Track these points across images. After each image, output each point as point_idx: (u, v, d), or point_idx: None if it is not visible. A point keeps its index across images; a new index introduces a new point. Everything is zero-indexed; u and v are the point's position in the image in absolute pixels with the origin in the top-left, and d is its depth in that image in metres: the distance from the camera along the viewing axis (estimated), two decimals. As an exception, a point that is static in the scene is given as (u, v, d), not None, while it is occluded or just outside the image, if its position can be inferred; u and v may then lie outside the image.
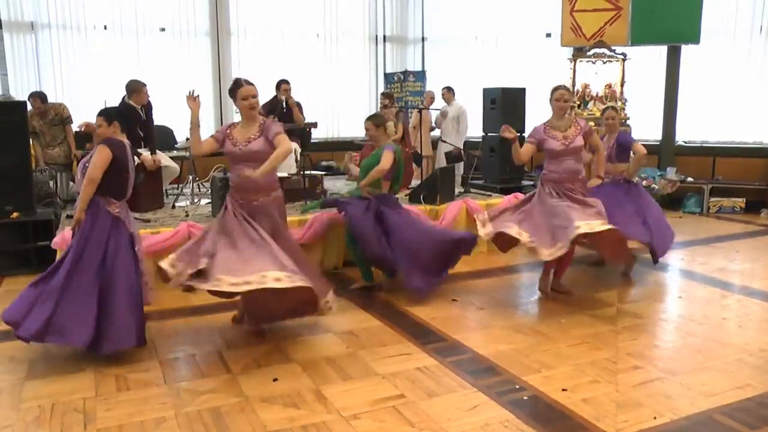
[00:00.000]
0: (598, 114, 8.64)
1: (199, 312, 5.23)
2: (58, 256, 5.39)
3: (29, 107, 7.49)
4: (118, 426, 3.33)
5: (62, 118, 7.87)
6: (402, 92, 10.42)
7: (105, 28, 9.84)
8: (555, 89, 5.41)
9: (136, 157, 6.64)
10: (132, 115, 6.97)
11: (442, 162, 9.42)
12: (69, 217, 6.54)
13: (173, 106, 8.56)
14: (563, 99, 5.35)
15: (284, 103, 8.46)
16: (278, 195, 4.56)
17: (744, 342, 4.47)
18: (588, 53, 8.71)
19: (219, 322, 4.96)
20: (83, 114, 7.93)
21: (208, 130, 10.67)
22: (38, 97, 7.75)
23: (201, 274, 4.09)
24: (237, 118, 10.45)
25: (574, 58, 8.79)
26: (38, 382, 3.88)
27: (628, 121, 8.66)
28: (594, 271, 6.43)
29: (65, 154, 7.89)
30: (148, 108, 7.31)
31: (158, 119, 7.80)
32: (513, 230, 5.18)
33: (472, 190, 8.10)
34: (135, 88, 7.15)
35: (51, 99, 8.13)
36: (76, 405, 3.57)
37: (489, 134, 8.82)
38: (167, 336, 4.68)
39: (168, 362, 4.19)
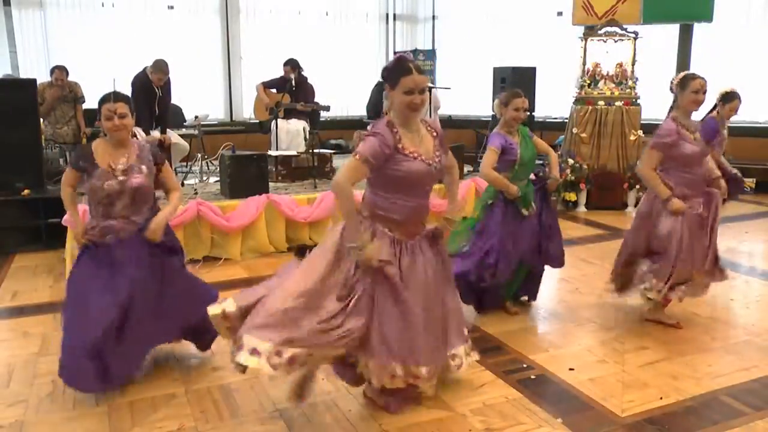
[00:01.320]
0: (608, 93, 8.57)
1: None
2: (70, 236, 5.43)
3: (49, 79, 7.59)
4: (129, 402, 3.38)
5: (75, 96, 7.91)
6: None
7: (113, 5, 9.82)
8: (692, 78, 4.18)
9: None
10: (148, 88, 6.97)
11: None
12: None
13: (182, 85, 8.59)
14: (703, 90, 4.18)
15: (293, 81, 8.45)
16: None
17: (751, 323, 4.48)
18: (599, 32, 8.62)
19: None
20: (92, 91, 7.97)
21: (217, 111, 10.74)
22: (64, 70, 7.82)
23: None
24: (247, 97, 10.61)
25: (585, 36, 8.71)
26: (52, 357, 3.91)
27: (638, 101, 8.59)
28: (598, 251, 6.43)
29: (74, 133, 7.95)
30: (166, 86, 7.27)
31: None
32: None
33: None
34: (161, 68, 7.04)
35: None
36: (88, 381, 3.61)
37: (499, 113, 8.78)
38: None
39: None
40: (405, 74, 2.94)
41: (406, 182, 3.00)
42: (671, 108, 4.30)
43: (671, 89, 4.28)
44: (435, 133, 3.16)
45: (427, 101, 3.09)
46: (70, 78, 8.08)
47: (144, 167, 3.58)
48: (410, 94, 2.94)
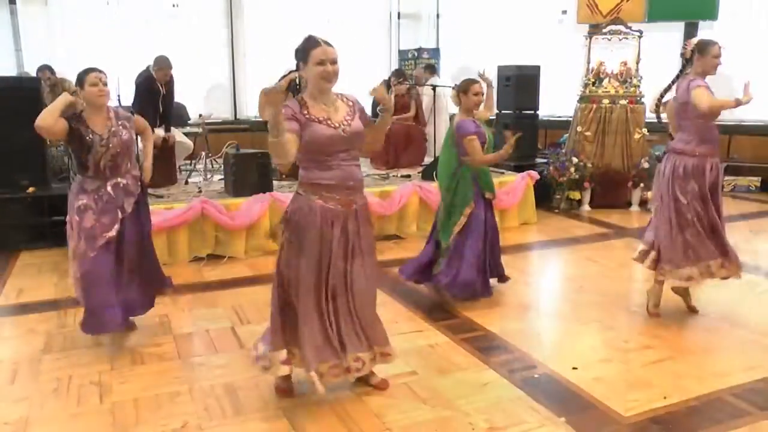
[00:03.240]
0: (612, 91, 8.56)
1: (213, 287, 5.29)
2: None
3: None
4: (133, 399, 3.39)
5: (69, 91, 7.92)
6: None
7: (117, 4, 9.83)
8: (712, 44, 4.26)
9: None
10: (152, 86, 6.96)
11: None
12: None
13: (186, 83, 8.60)
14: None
15: (297, 80, 8.45)
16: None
17: (756, 322, 4.46)
18: (604, 30, 8.61)
19: (232, 298, 5.00)
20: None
21: (222, 109, 10.74)
22: (47, 69, 7.84)
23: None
24: (251, 97, 10.59)
25: (590, 35, 8.69)
26: (56, 355, 3.95)
27: (642, 99, 8.57)
28: (603, 250, 6.42)
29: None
30: (170, 84, 7.26)
31: (172, 95, 7.80)
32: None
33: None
34: (163, 64, 7.02)
35: (64, 75, 8.18)
36: (93, 378, 3.63)
37: (503, 111, 8.79)
38: (181, 311, 4.73)
39: (182, 337, 4.24)
40: (314, 47, 3.06)
41: (316, 145, 3.07)
42: (682, 72, 4.41)
43: (683, 55, 4.39)
44: (351, 103, 3.25)
45: (339, 73, 3.12)
46: (72, 75, 8.10)
47: (127, 123, 4.03)
48: (322, 65, 3.04)
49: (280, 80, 3.16)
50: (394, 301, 4.88)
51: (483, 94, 4.65)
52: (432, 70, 9.52)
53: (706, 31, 9.61)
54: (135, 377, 3.64)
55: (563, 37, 10.40)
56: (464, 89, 4.61)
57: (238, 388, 3.50)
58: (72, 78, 8.13)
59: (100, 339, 4.13)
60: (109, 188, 3.91)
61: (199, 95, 9.83)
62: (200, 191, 6.68)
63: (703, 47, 4.26)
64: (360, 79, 11.10)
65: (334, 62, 3.07)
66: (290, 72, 7.97)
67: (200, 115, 8.13)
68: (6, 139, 6.46)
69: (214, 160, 8.28)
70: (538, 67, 8.86)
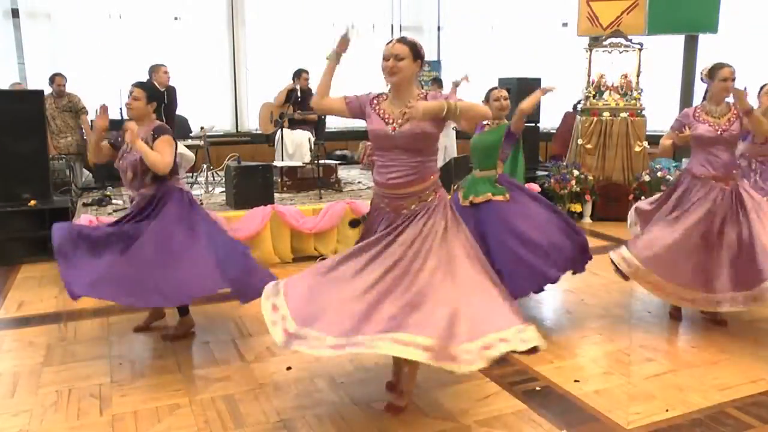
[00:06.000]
0: (613, 104, 8.58)
1: (213, 299, 5.27)
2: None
3: (49, 90, 7.64)
4: (133, 412, 3.37)
5: (76, 107, 7.98)
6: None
7: (120, 17, 9.88)
8: (720, 67, 4.36)
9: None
10: (158, 95, 7.04)
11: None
12: (85, 205, 6.62)
13: (188, 95, 8.63)
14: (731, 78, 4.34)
15: (299, 92, 8.49)
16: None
17: (758, 335, 4.45)
18: (604, 43, 8.64)
19: (233, 310, 4.99)
20: (98, 103, 7.99)
21: (223, 122, 10.76)
22: (63, 77, 7.91)
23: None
24: (253, 108, 10.59)
25: (590, 47, 8.73)
26: (56, 367, 3.94)
27: (643, 112, 8.59)
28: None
29: (77, 144, 7.99)
30: (171, 92, 7.34)
31: (173, 108, 7.83)
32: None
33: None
34: (152, 69, 7.39)
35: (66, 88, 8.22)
36: (93, 391, 3.62)
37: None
38: (182, 323, 4.72)
39: (182, 350, 4.23)
40: (385, 45, 3.17)
41: (371, 138, 3.22)
42: (703, 98, 4.57)
43: (702, 80, 4.53)
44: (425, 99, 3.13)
45: (405, 70, 3.10)
46: (77, 90, 8.15)
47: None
48: (384, 60, 3.13)
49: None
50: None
51: (505, 99, 4.75)
52: (439, 83, 9.58)
53: (706, 43, 9.65)
54: (135, 390, 3.63)
55: (564, 50, 10.43)
56: (485, 98, 4.75)
57: (239, 401, 3.49)
58: (75, 91, 8.24)
59: (100, 351, 4.13)
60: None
61: (200, 108, 9.83)
62: (201, 203, 6.66)
63: (712, 70, 4.36)
64: (360, 89, 11.24)
65: (397, 58, 3.07)
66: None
67: (202, 128, 8.15)
68: (7, 152, 6.49)
69: (216, 172, 8.29)
70: (538, 80, 8.88)
